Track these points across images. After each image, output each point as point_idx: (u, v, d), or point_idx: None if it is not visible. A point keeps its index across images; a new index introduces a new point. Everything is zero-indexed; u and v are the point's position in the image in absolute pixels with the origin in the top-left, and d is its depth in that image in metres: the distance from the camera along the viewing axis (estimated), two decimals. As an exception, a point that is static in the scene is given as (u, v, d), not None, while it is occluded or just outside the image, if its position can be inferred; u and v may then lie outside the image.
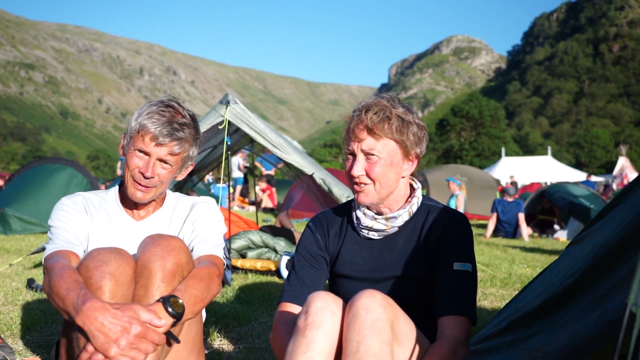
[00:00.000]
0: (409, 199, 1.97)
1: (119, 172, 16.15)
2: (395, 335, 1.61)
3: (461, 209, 11.24)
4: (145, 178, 1.94)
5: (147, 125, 1.90)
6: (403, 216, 1.93)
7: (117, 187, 2.15)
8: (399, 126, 1.82)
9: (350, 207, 2.07)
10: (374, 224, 1.93)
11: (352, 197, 2.12)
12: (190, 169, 2.12)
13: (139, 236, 1.98)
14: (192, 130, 2.00)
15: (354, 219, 1.99)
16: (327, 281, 2.09)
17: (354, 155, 1.87)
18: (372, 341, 1.54)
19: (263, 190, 14.92)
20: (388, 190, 1.88)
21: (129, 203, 2.09)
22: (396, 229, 1.94)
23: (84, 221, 2.02)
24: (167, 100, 2.00)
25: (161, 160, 1.95)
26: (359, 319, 1.58)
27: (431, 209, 1.96)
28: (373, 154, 1.83)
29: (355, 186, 1.88)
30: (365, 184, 1.86)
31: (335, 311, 1.65)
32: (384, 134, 1.81)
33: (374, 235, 1.96)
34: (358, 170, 1.85)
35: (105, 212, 2.08)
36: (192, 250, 2.00)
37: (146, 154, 1.94)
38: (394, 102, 1.86)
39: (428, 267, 1.89)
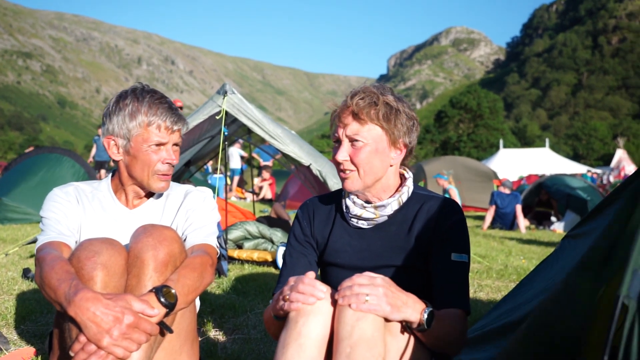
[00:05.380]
0: (399, 188, 1.94)
1: (90, 159, 15.01)
2: (386, 325, 1.61)
3: (457, 201, 11.22)
4: (171, 166, 2.03)
5: (156, 120, 1.95)
6: (392, 205, 1.90)
7: (109, 177, 2.14)
8: (386, 113, 1.79)
9: (340, 195, 2.04)
10: (363, 213, 1.91)
11: None
12: None
13: (132, 225, 1.97)
14: None
15: (344, 207, 1.97)
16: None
17: (339, 141, 1.86)
18: (365, 325, 1.54)
19: (265, 180, 14.91)
20: (373, 178, 1.86)
21: (121, 192, 2.09)
22: (385, 218, 1.92)
23: (76, 212, 2.01)
24: (146, 89, 2.01)
25: (174, 144, 2.03)
26: None
27: (425, 198, 1.93)
28: (357, 140, 1.81)
29: (341, 173, 1.87)
30: (350, 170, 1.85)
31: (326, 298, 1.65)
32: (369, 118, 1.79)
33: (363, 224, 1.94)
34: (342, 155, 1.83)
35: (98, 202, 2.07)
36: (185, 239, 1.99)
37: (162, 144, 1.99)
38: (383, 90, 1.84)
39: (420, 257, 1.87)
